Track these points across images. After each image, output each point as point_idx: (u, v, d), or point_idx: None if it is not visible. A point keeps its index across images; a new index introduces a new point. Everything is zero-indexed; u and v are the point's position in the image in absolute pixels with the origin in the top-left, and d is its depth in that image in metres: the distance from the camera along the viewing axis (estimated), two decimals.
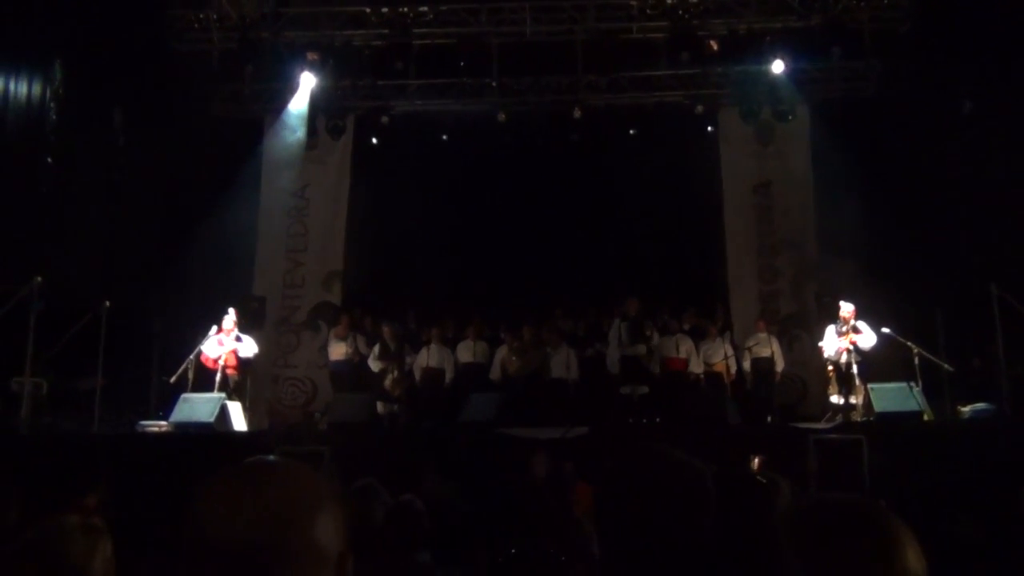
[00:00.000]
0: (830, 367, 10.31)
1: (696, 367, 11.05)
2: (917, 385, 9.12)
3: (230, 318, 10.33)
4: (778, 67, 12.68)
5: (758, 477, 2.08)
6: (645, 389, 10.63)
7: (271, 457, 1.11)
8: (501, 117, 13.26)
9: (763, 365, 11.05)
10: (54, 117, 11.32)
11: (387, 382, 11.01)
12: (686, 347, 11.07)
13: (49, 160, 11.05)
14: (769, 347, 11.10)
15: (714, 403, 9.92)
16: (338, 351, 11.41)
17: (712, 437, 8.72)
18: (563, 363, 10.82)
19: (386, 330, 11.19)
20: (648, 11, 12.99)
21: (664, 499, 1.31)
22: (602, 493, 1.38)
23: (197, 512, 1.01)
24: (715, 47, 12.83)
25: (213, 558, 0.97)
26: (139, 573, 2.54)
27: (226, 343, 10.24)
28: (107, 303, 9.72)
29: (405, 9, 12.91)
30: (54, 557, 2.02)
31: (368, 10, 12.99)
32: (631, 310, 10.98)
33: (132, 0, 12.27)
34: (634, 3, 12.92)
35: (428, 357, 11.05)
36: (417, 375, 11.05)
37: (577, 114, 13.17)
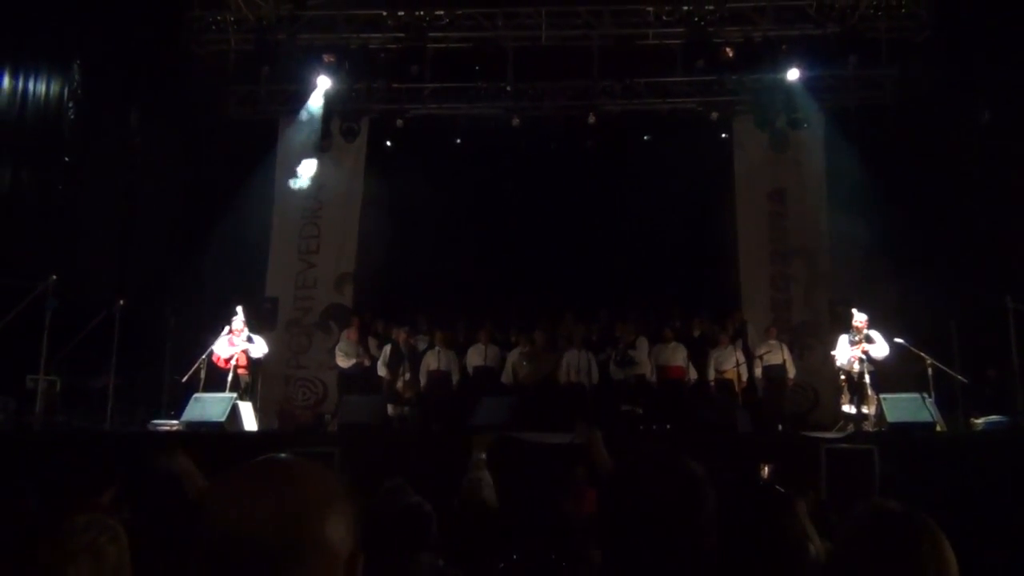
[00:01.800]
0: (842, 376, 10.26)
1: (693, 374, 11.03)
2: (930, 396, 9.06)
3: (239, 318, 10.37)
4: (794, 75, 12.65)
5: (776, 487, 2.07)
6: (639, 411, 10.65)
7: (284, 455, 1.10)
8: (515, 122, 13.26)
9: (774, 373, 11.02)
10: (72, 116, 11.40)
11: (399, 385, 11.02)
12: (683, 354, 11.07)
13: (66, 159, 11.14)
14: (780, 354, 11.06)
15: (725, 411, 9.89)
16: (347, 359, 11.41)
17: (723, 445, 8.69)
18: (576, 366, 10.80)
19: (401, 337, 11.19)
20: (664, 17, 12.99)
21: (659, 502, 1.32)
22: (601, 497, 1.38)
23: (210, 508, 1.01)
24: (731, 54, 12.81)
25: (225, 555, 0.97)
26: (152, 570, 2.55)
27: (237, 343, 10.28)
28: (121, 302, 9.79)
29: (421, 13, 12.96)
30: (72, 555, 2.03)
31: (384, 13, 13.05)
32: (620, 335, 11.05)
33: (150, 2, 12.36)
34: (650, 9, 12.94)
35: (434, 361, 11.06)
36: (423, 379, 11.05)
37: (591, 119, 13.17)
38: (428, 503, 3.30)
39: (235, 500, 1.00)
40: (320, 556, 1.00)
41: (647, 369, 11.01)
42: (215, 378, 10.07)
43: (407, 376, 11.00)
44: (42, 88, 11.21)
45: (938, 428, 8.80)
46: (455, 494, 4.42)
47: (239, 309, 10.46)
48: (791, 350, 11.46)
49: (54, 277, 9.17)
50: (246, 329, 10.41)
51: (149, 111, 12.58)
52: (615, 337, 11.38)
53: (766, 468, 8.15)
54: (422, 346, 11.40)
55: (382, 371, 11.11)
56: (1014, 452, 7.82)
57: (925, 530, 1.36)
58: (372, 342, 11.69)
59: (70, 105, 11.43)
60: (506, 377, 10.97)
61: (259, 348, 10.51)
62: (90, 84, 11.70)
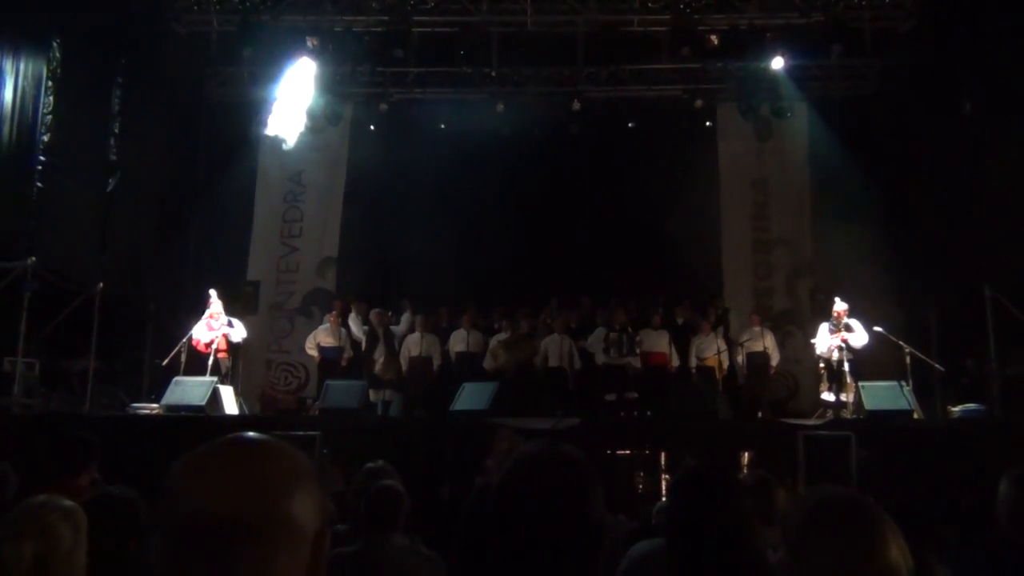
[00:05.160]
0: (822, 364, 10.36)
1: (676, 360, 11.06)
2: (908, 384, 9.16)
3: (216, 303, 10.29)
4: (778, 63, 12.65)
5: (725, 470, 2.11)
6: (634, 395, 10.67)
7: (251, 433, 1.09)
8: (500, 107, 13.23)
9: (757, 360, 11.05)
10: (51, 97, 11.26)
11: (377, 368, 10.99)
12: (667, 341, 11.06)
13: (45, 139, 11.00)
14: (762, 342, 11.10)
15: (705, 397, 9.96)
16: (331, 340, 11.35)
17: (702, 431, 8.77)
18: (557, 352, 10.82)
19: (373, 316, 11.16)
20: (649, 4, 12.98)
21: (542, 485, 1.35)
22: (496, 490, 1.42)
23: (174, 485, 1.00)
24: (715, 42, 12.81)
25: (189, 532, 0.96)
26: (130, 552, 2.55)
27: (216, 327, 10.22)
28: (101, 285, 9.71)
29: None
30: (16, 535, 2.01)
31: None
32: (620, 318, 11.00)
33: None
34: None
35: (415, 346, 11.04)
36: (404, 364, 11.03)
37: (576, 106, 13.16)
38: (402, 486, 3.34)
39: (200, 477, 0.99)
40: (286, 533, 0.99)
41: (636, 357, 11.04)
42: (196, 362, 10.03)
43: (385, 357, 10.96)
44: (21, 67, 11.05)
45: (915, 416, 8.91)
46: (444, 479, 4.46)
47: (212, 293, 10.39)
48: (774, 336, 11.52)
49: (33, 259, 9.08)
50: (223, 313, 10.34)
51: (130, 91, 12.44)
52: (596, 323, 11.39)
53: (746, 455, 8.25)
54: (403, 327, 11.33)
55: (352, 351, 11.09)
56: (989, 440, 7.93)
57: (872, 514, 1.38)
58: (353, 324, 11.59)
59: (49, 84, 11.28)
60: (488, 363, 10.97)
61: (238, 332, 10.46)
62: (70, 63, 11.55)
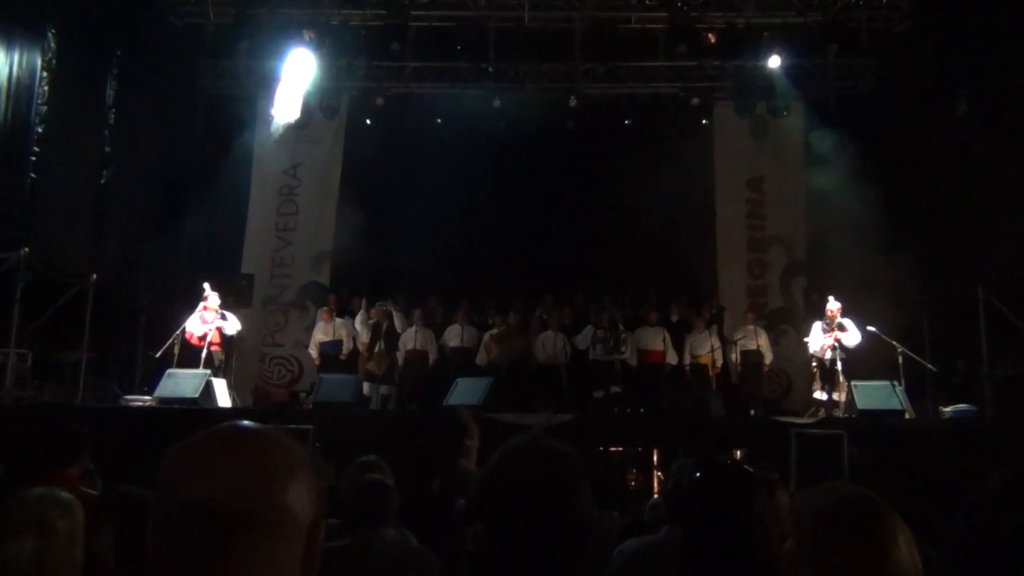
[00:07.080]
0: (814, 363, 10.38)
1: (672, 358, 11.07)
2: (900, 384, 9.18)
3: (213, 296, 10.26)
4: (775, 62, 12.66)
5: (745, 467, 2.11)
6: (618, 389, 10.69)
7: (246, 422, 1.08)
8: (496, 103, 13.21)
9: (751, 358, 11.08)
10: (46, 87, 11.21)
11: (371, 363, 10.98)
12: (663, 338, 11.07)
13: (40, 130, 10.95)
14: (756, 340, 11.11)
15: (698, 395, 9.97)
16: (323, 336, 11.35)
17: (695, 429, 8.78)
18: (552, 349, 10.83)
19: (374, 311, 11.16)
20: (647, 2, 12.97)
21: (530, 480, 1.34)
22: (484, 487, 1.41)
23: (168, 474, 0.99)
24: (713, 40, 12.82)
25: (183, 522, 0.95)
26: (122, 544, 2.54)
27: (209, 320, 10.18)
28: (94, 276, 9.68)
29: None
30: (17, 529, 2.00)
31: None
32: (607, 318, 11.00)
33: None
34: None
35: (411, 340, 11.03)
36: (400, 358, 11.03)
37: (573, 102, 13.15)
38: (394, 480, 3.35)
39: (195, 466, 0.98)
40: (281, 523, 0.98)
41: (628, 354, 11.05)
42: (189, 355, 9.99)
43: (380, 349, 10.95)
44: (16, 57, 11.00)
45: (907, 415, 8.93)
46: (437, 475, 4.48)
47: (206, 286, 10.36)
48: (768, 335, 11.53)
49: (26, 249, 9.05)
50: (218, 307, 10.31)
51: (125, 83, 12.39)
52: (589, 320, 11.40)
53: (738, 453, 8.26)
54: (399, 323, 11.34)
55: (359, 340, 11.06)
56: (980, 440, 7.96)
57: (885, 513, 1.38)
58: (350, 321, 11.59)
59: (44, 75, 11.23)
60: (480, 359, 10.97)
61: (232, 325, 10.41)
62: (65, 54, 11.49)
